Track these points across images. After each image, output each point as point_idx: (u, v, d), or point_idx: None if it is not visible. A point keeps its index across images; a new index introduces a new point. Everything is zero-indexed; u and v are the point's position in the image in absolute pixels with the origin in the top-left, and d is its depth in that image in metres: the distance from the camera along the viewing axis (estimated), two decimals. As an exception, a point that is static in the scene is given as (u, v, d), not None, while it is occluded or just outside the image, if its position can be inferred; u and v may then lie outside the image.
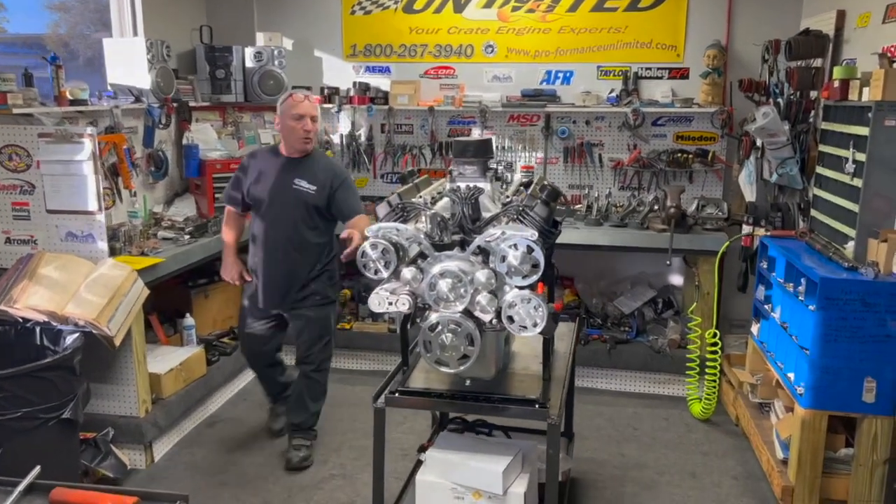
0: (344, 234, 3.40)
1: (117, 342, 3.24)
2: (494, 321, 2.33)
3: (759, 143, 4.28)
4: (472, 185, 2.54)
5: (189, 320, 4.33)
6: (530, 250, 2.26)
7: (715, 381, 4.08)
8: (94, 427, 3.54)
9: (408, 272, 2.33)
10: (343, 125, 5.18)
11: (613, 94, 4.87)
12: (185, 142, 4.69)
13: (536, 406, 2.49)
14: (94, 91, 4.10)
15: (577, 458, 3.69)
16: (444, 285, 2.29)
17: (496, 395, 2.54)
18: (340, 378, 4.83)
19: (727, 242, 4.05)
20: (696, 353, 4.20)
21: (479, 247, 2.34)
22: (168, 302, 4.61)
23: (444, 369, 2.38)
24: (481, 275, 2.26)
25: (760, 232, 3.98)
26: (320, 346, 3.70)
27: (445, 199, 2.57)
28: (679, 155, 4.81)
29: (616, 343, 4.62)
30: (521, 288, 2.30)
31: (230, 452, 3.84)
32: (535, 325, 2.28)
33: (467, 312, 2.33)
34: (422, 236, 2.38)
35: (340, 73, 5.28)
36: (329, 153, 5.16)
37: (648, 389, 4.62)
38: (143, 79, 4.26)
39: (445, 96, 5.01)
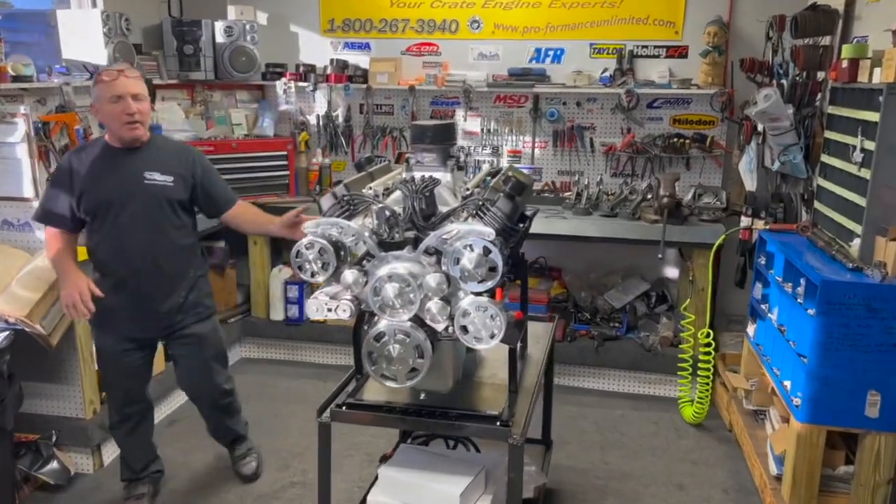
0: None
1: (54, 341, 2.99)
2: (451, 329, 2.06)
3: (760, 127, 3.97)
4: (427, 175, 2.26)
5: (149, 312, 4.07)
6: (487, 252, 1.98)
7: (707, 383, 3.81)
8: (36, 429, 3.31)
9: (349, 275, 2.06)
10: (319, 105, 4.89)
11: (607, 74, 4.55)
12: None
13: (498, 423, 2.22)
14: (45, 67, 3.81)
15: (556, 465, 3.44)
16: (390, 290, 2.03)
17: (454, 410, 2.28)
18: (313, 373, 4.59)
19: (722, 236, 3.76)
20: (689, 353, 3.92)
21: (431, 246, 2.08)
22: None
23: (390, 384, 2.12)
24: (432, 279, 2.00)
25: (760, 224, 3.68)
26: (218, 366, 3.19)
27: (398, 191, 2.29)
28: (675, 140, 4.50)
29: (604, 340, 4.35)
30: (477, 294, 2.03)
31: (186, 455, 3.60)
32: (491, 336, 2.02)
33: (419, 320, 2.07)
34: (367, 234, 2.11)
35: (318, 49, 4.97)
36: (305, 135, 4.88)
37: (638, 390, 4.35)
38: (99, 54, 3.98)
39: (427, 75, 4.70)
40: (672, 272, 4.79)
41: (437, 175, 2.37)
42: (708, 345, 3.75)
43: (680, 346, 4.07)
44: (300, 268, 2.08)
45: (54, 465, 3.23)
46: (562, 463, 3.54)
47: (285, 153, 4.66)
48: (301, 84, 4.77)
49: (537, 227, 4.21)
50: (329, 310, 2.08)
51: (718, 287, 4.54)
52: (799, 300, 2.94)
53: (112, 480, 3.36)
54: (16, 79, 3.50)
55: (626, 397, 4.29)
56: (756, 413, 3.58)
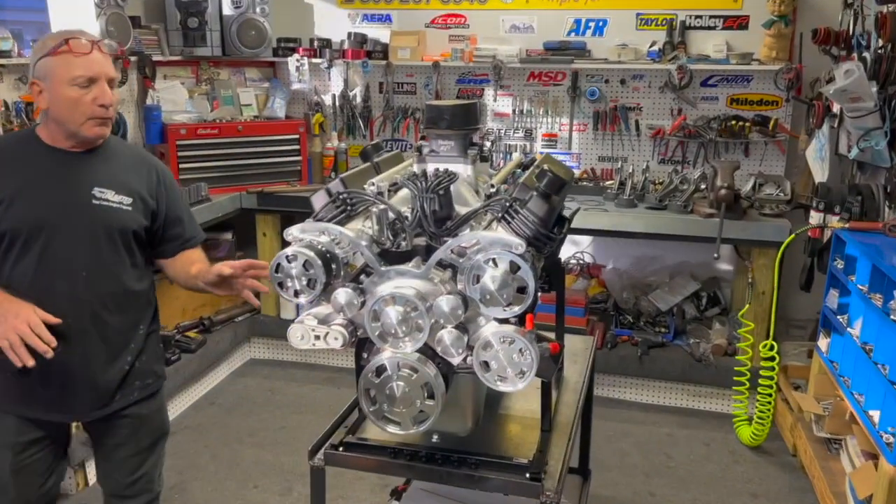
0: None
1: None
2: (470, 359, 1.64)
3: (835, 109, 3.45)
4: (442, 168, 1.82)
5: (146, 312, 3.71)
6: (515, 268, 1.55)
7: (769, 403, 3.33)
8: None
9: (342, 294, 1.64)
10: (335, 84, 4.46)
11: (655, 48, 4.04)
12: (148, 101, 4.03)
13: (528, 475, 1.80)
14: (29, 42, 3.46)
15: (594, 495, 3.01)
16: (392, 315, 1.60)
17: (473, 456, 1.86)
18: (325, 378, 4.21)
19: (790, 236, 3.25)
20: (747, 366, 3.45)
21: (445, 259, 1.65)
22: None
23: (393, 429, 1.70)
24: (445, 302, 1.57)
25: (835, 222, 3.17)
26: (153, 460, 2.21)
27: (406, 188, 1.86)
28: (733, 122, 3.97)
29: (649, 347, 3.88)
30: (502, 321, 1.60)
31: (180, 472, 3.25)
32: (520, 374, 1.59)
33: (430, 350, 1.65)
34: (365, 242, 1.68)
35: (334, 22, 4.54)
36: (319, 116, 4.47)
37: (687, 404, 3.88)
38: (90, 27, 3.60)
39: (454, 49, 4.24)
40: (725, 270, 4.30)
41: (455, 168, 1.93)
42: (771, 359, 3.27)
43: (736, 356, 3.61)
44: (280, 285, 1.67)
45: (31, 486, 2.89)
46: (600, 493, 3.11)
47: (297, 136, 4.24)
48: (315, 60, 4.35)
49: (573, 220, 3.77)
50: (317, 337, 1.67)
51: (780, 290, 4.04)
52: (892, 317, 2.45)
53: (98, 502, 3.02)
54: (-9, 54, 3.16)
55: (673, 412, 3.83)
56: (829, 442, 3.09)
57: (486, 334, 1.59)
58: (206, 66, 4.39)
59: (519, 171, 2.16)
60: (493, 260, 1.56)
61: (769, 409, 3.36)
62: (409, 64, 4.33)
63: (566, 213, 2.15)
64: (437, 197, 1.70)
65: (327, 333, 1.66)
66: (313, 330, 1.67)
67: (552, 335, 2.12)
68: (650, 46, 4.06)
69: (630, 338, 3.97)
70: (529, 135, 4.32)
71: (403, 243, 1.74)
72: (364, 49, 4.35)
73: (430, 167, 1.92)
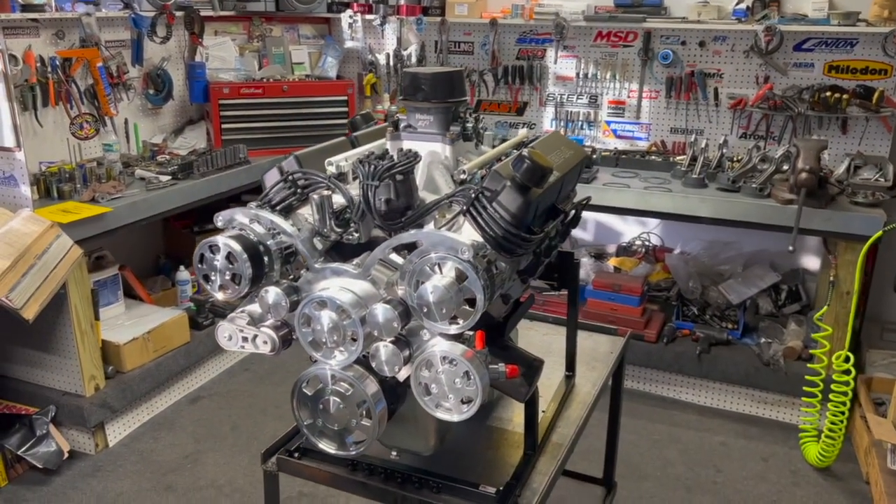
0: None
1: (29, 314, 2.59)
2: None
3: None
4: (406, 149, 1.55)
5: (183, 274, 3.68)
6: (462, 276, 1.29)
7: (841, 422, 2.90)
8: (37, 402, 3.02)
9: (271, 293, 1.43)
10: (390, 42, 4.21)
11: (742, 6, 3.54)
12: (197, 58, 3.93)
13: (495, 507, 1.55)
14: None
15: (624, 509, 2.72)
16: (324, 321, 1.38)
17: (436, 478, 1.62)
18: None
19: (879, 232, 2.75)
20: (821, 376, 3.01)
21: (387, 260, 1.41)
22: (175, 249, 4.01)
23: (326, 447, 1.50)
24: (379, 312, 1.33)
25: (938, 218, 2.66)
26: None
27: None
28: (829, 94, 3.43)
29: (710, 344, 3.48)
30: (452, 336, 1.35)
31: (199, 440, 3.20)
32: (466, 402, 1.34)
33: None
34: (302, 234, 1.46)
35: (395, -25, 4.27)
36: (371, 77, 4.24)
37: (749, 410, 3.46)
38: (133, -19, 3.53)
39: (514, 6, 3.88)
40: (813, 262, 3.80)
41: (431, 147, 1.67)
42: (846, 372, 2.83)
43: (809, 363, 3.17)
44: (205, 278, 1.47)
45: (47, 445, 2.91)
46: (632, 507, 2.81)
47: (345, 98, 4.03)
48: (368, 17, 4.11)
49: (631, 202, 3.39)
50: (245, 339, 1.48)
51: (870, 289, 3.53)
52: None
53: (112, 465, 3.02)
54: (25, 8, 3.11)
55: (730, 418, 3.42)
56: (905, 477, 2.65)
57: (427, 352, 1.35)
58: (258, 21, 4.24)
59: (515, 151, 1.86)
60: (438, 265, 1.31)
61: (841, 429, 2.93)
62: (466, 21, 4.01)
63: (573, 205, 1.85)
64: (393, 183, 1.45)
65: (255, 336, 1.46)
66: (241, 331, 1.48)
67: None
68: (737, 4, 3.56)
69: (691, 332, 3.57)
70: (594, 101, 3.93)
71: (356, 234, 1.51)
72: (420, 5, 4.07)
73: (404, 145, 1.67)
